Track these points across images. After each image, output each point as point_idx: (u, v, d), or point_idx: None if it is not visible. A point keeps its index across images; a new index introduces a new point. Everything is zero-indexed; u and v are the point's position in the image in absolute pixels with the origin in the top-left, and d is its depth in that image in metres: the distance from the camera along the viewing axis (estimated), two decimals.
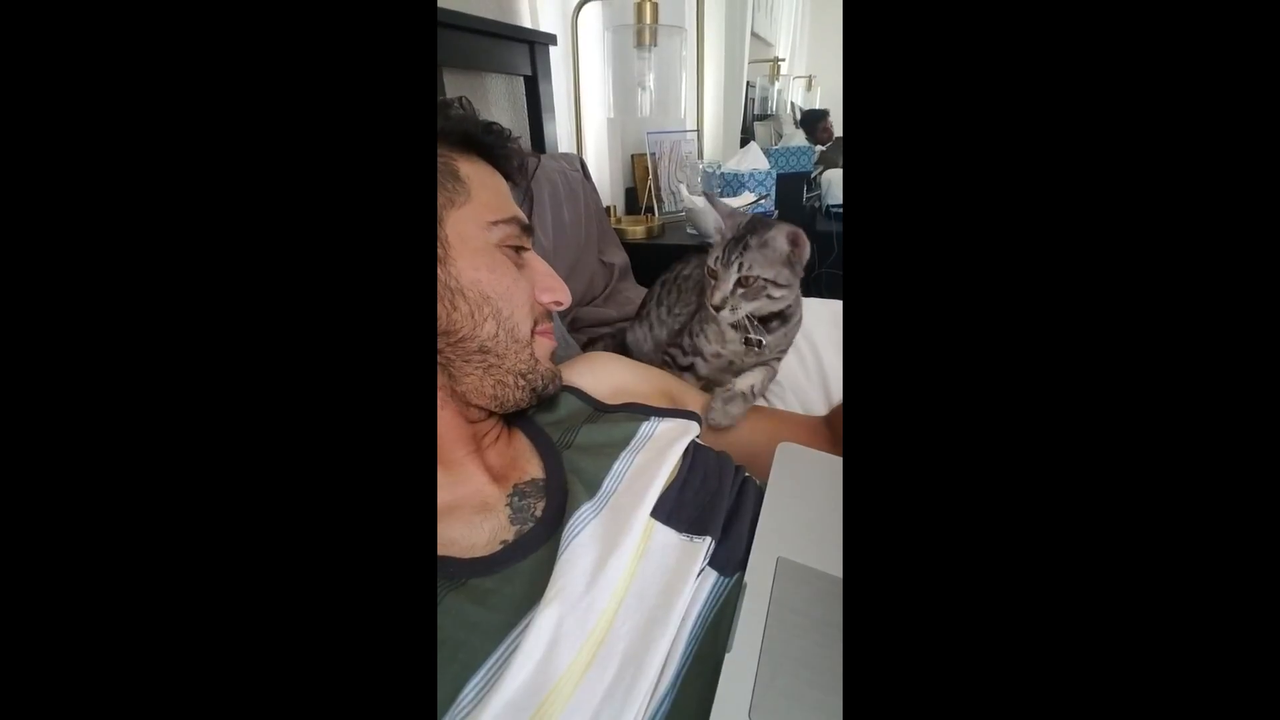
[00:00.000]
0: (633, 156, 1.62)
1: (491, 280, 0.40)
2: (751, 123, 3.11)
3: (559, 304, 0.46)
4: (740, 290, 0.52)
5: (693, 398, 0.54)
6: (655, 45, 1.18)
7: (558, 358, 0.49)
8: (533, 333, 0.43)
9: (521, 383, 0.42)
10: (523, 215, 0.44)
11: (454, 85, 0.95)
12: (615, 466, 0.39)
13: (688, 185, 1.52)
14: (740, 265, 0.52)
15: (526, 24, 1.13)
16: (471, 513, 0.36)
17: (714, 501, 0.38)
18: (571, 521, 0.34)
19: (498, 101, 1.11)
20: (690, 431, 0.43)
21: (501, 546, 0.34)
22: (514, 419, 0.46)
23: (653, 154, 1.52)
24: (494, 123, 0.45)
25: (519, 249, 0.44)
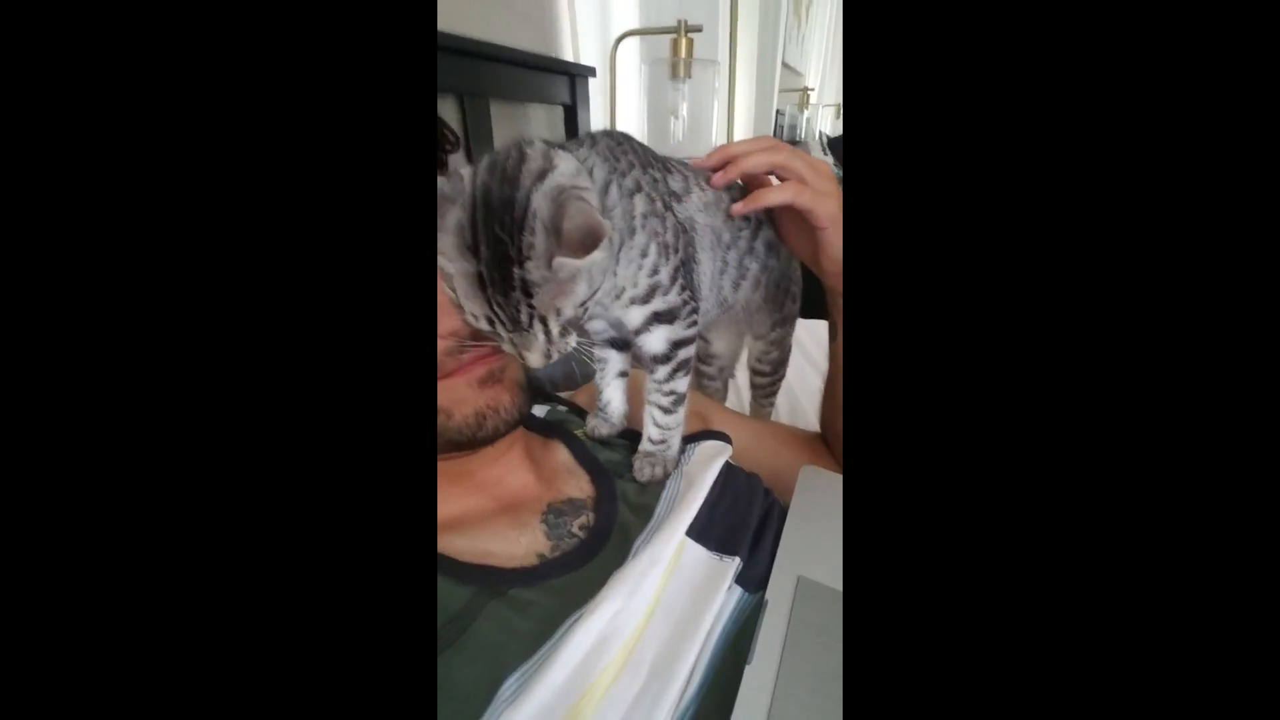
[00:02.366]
0: None
1: None
2: None
3: (455, 332, 0.36)
4: (560, 332, 0.33)
5: (718, 416, 0.55)
6: (690, 77, 1.23)
7: (558, 380, 0.44)
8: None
9: (443, 441, 0.38)
10: None
11: (498, 114, 1.00)
12: (665, 494, 0.40)
13: None
14: (533, 318, 0.31)
15: (569, 57, 1.19)
16: (506, 526, 0.38)
17: (743, 522, 0.39)
18: (633, 550, 0.35)
19: (535, 128, 1.16)
20: (724, 454, 0.44)
21: (539, 561, 0.36)
22: (557, 436, 0.47)
23: None
24: None
25: None
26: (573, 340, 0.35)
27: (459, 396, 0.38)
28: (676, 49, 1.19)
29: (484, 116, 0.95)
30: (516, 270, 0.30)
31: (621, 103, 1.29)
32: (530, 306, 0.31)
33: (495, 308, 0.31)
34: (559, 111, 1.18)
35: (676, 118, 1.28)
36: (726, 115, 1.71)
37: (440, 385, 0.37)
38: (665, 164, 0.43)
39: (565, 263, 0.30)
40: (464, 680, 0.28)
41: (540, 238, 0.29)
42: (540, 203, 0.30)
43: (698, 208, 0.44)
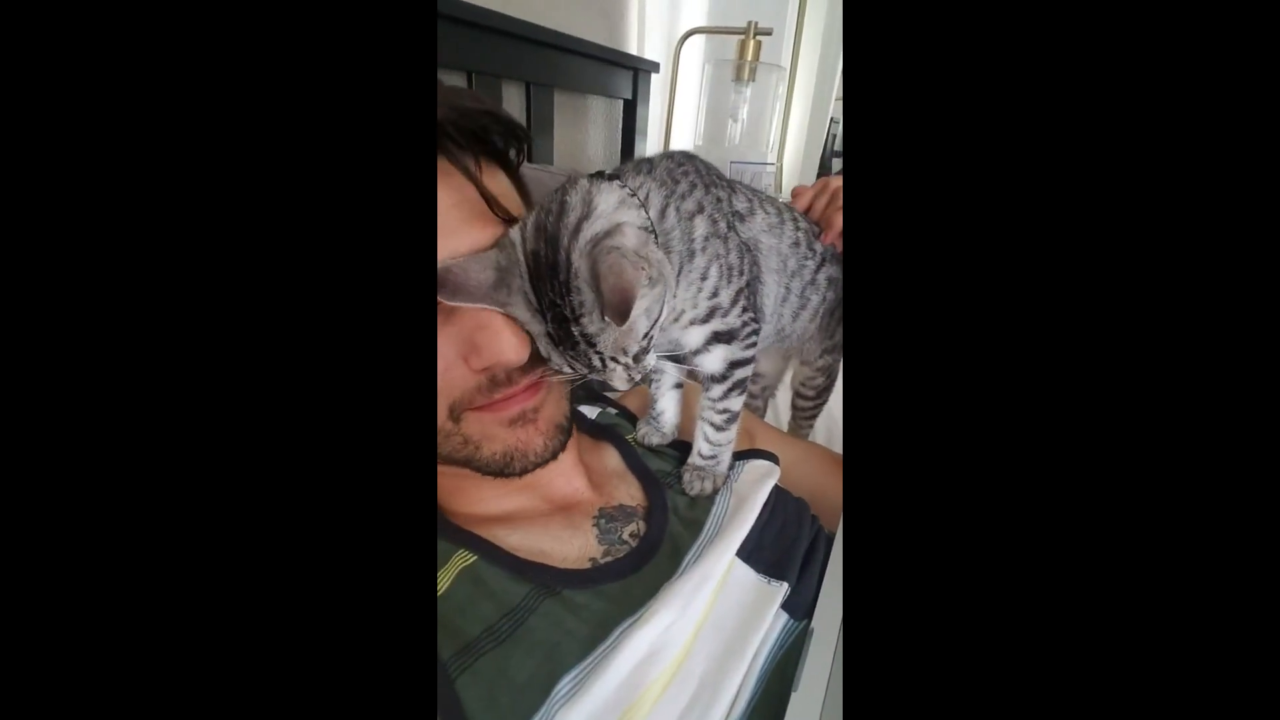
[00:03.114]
0: None
1: None
2: (830, 159, 3.09)
3: (488, 369, 0.33)
4: (634, 359, 0.33)
5: (764, 434, 0.55)
6: (753, 80, 1.21)
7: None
8: (458, 413, 0.34)
9: (472, 468, 0.36)
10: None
11: (561, 104, 1.00)
12: (714, 510, 0.40)
13: None
14: (604, 360, 0.32)
15: (633, 51, 1.19)
16: (559, 527, 0.39)
17: (792, 548, 0.39)
18: (678, 568, 0.36)
19: (594, 120, 1.16)
20: (773, 475, 0.44)
21: (590, 565, 0.36)
22: (607, 439, 0.47)
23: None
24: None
25: None
26: (652, 358, 0.35)
27: (488, 433, 0.36)
28: (743, 51, 1.18)
29: (548, 105, 0.95)
30: (575, 328, 0.31)
31: (680, 101, 1.28)
32: (598, 353, 0.32)
33: (568, 358, 0.32)
34: (619, 106, 1.18)
35: (735, 120, 1.26)
36: (782, 122, 1.68)
37: (472, 416, 0.35)
38: (730, 184, 0.43)
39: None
40: (521, 675, 0.29)
41: (587, 295, 0.30)
42: (579, 262, 0.30)
43: (762, 229, 0.43)
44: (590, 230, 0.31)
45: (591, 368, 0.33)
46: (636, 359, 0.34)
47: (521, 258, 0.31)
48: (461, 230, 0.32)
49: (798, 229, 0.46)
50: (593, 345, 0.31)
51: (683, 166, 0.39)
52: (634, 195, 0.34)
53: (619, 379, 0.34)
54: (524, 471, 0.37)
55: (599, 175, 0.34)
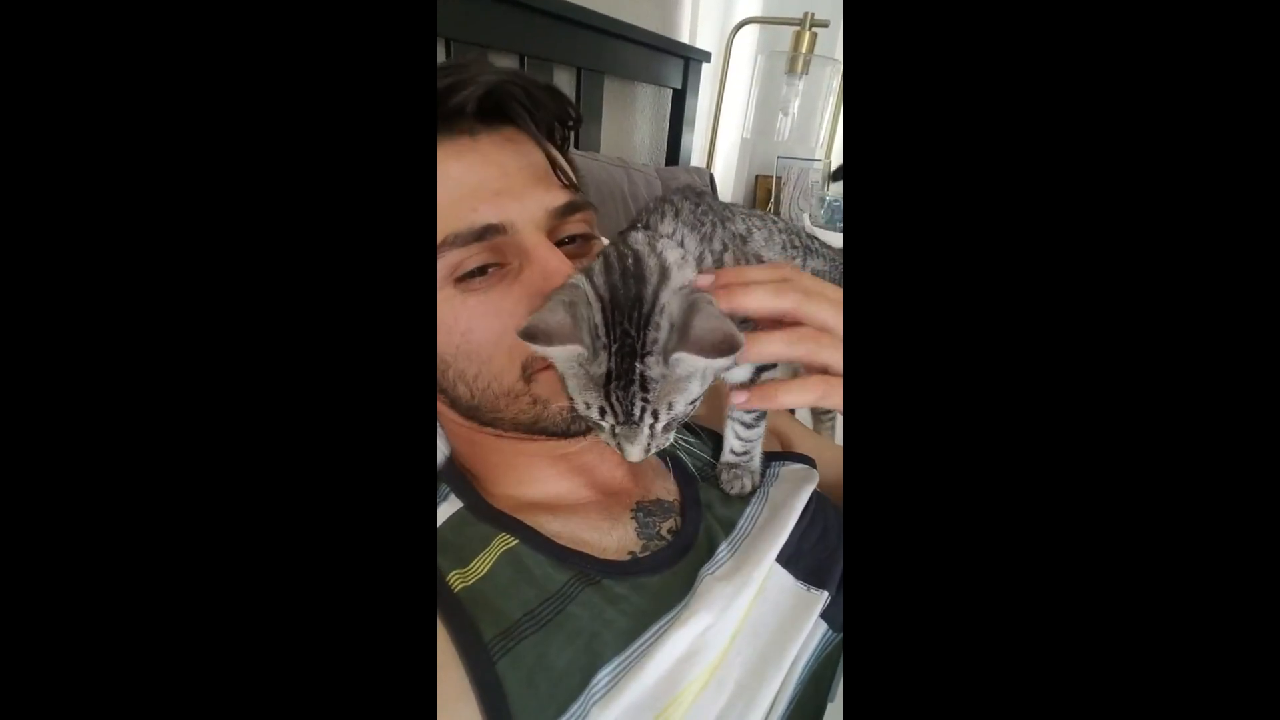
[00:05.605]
0: (757, 177, 1.62)
1: (439, 339, 0.33)
2: None
3: None
4: (664, 428, 0.32)
5: (800, 437, 0.54)
6: (806, 74, 1.18)
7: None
8: (530, 374, 0.35)
9: (537, 430, 0.37)
10: (484, 218, 0.32)
11: (610, 91, 1.00)
12: (749, 510, 0.40)
13: (810, 215, 1.50)
14: (645, 411, 0.31)
15: (685, 39, 1.17)
16: (598, 518, 0.39)
17: (832, 556, 0.38)
18: (710, 562, 0.35)
19: (642, 109, 1.15)
20: (812, 480, 0.43)
21: (630, 557, 0.36)
22: None
23: (779, 178, 1.51)
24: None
25: (487, 268, 0.33)
26: (671, 436, 0.34)
27: (556, 388, 0.35)
28: (798, 43, 1.15)
29: (597, 92, 0.95)
30: (638, 365, 0.30)
31: (730, 92, 1.25)
32: (645, 400, 0.31)
33: (613, 399, 0.31)
34: (668, 95, 1.17)
35: (785, 114, 1.23)
36: (832, 117, 1.64)
37: (542, 376, 0.36)
38: (730, 210, 0.45)
39: (684, 358, 0.29)
40: (560, 662, 0.29)
41: (664, 333, 0.30)
42: (669, 299, 0.30)
43: (760, 245, 0.44)
44: (678, 278, 0.31)
45: (627, 415, 0.31)
46: (666, 427, 0.32)
47: (592, 291, 0.31)
48: (528, 191, 0.34)
49: (780, 231, 0.47)
50: (645, 389, 0.30)
51: (700, 206, 0.39)
52: (681, 247, 0.34)
53: (638, 443, 0.32)
54: (588, 430, 0.37)
55: (637, 227, 0.35)
